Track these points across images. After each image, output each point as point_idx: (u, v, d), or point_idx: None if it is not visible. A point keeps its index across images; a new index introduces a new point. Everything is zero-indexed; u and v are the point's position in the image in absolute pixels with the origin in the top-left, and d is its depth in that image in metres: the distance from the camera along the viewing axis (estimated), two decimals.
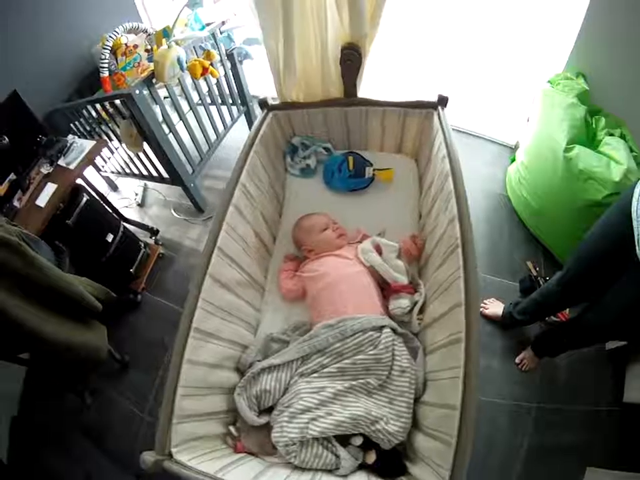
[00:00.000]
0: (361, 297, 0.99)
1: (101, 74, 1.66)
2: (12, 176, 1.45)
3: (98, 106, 1.69)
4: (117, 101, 1.53)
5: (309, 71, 1.11)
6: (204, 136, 1.91)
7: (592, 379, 1.33)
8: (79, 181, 1.54)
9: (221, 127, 2.01)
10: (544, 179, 1.48)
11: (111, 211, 1.77)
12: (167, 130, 1.70)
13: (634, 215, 0.79)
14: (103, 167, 2.12)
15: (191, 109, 1.78)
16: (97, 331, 1.23)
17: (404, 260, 1.06)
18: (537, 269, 1.59)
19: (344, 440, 0.81)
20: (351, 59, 1.04)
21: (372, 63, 1.13)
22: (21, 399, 1.49)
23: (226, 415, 0.88)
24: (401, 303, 0.96)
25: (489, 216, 1.76)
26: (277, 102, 1.23)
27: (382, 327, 0.90)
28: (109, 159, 2.07)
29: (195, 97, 1.80)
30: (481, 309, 1.43)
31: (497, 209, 1.79)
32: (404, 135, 1.25)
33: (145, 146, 1.71)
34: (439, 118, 1.07)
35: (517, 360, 1.35)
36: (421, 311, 0.98)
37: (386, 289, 1.03)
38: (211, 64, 1.65)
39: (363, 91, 1.18)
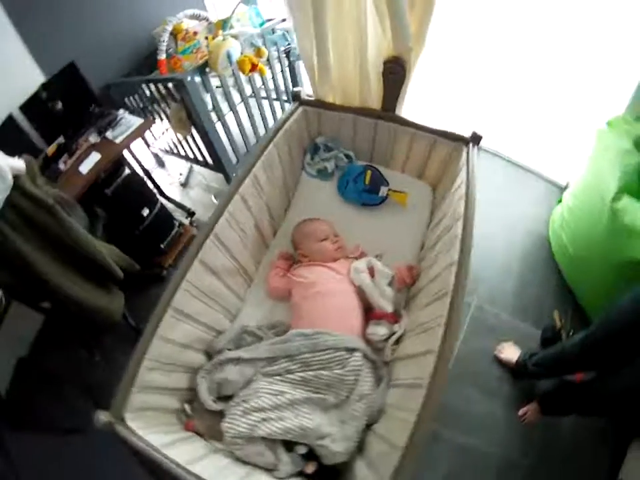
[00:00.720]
0: (343, 315, 1.02)
1: (158, 56, 1.82)
2: (61, 139, 1.64)
3: (152, 86, 1.82)
4: (170, 84, 1.64)
5: (346, 77, 1.12)
6: (253, 129, 1.99)
7: (590, 451, 1.28)
8: (125, 153, 1.68)
9: (271, 122, 2.10)
10: (586, 225, 1.39)
11: (152, 186, 1.92)
12: (215, 118, 1.79)
13: None
14: (153, 143, 2.32)
15: (242, 100, 1.88)
16: (113, 297, 1.35)
17: (394, 288, 1.08)
18: (563, 321, 1.52)
19: (290, 444, 0.85)
20: (394, 73, 1.04)
21: (420, 80, 1.13)
22: (33, 343, 1.63)
23: (185, 392, 0.94)
24: (379, 330, 0.99)
25: (526, 255, 1.71)
26: (311, 97, 1.25)
27: (354, 350, 0.93)
28: (159, 136, 2.22)
29: (248, 90, 1.87)
30: (496, 352, 1.42)
31: (535, 250, 1.72)
32: (429, 162, 1.25)
33: (193, 130, 1.81)
34: (467, 156, 1.06)
35: (521, 412, 1.31)
36: (398, 341, 1.00)
37: (369, 312, 1.05)
38: (268, 60, 1.72)
39: (406, 110, 1.19)
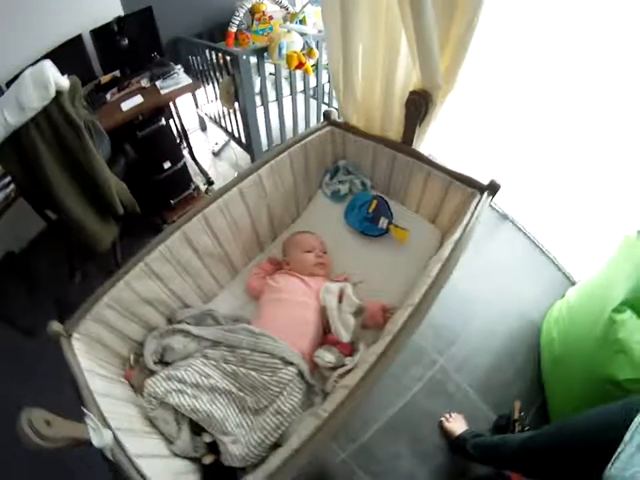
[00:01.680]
0: (295, 328, 1.06)
1: (229, 27, 1.96)
2: (117, 73, 1.83)
3: (214, 54, 2.00)
4: (227, 57, 1.82)
5: (370, 101, 1.19)
6: (293, 123, 2.15)
7: None
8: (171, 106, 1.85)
9: (313, 122, 2.25)
10: (580, 328, 1.38)
11: (185, 144, 2.06)
12: (259, 102, 1.95)
13: (632, 427, 0.70)
14: (202, 106, 2.48)
15: (291, 94, 2.01)
16: (108, 227, 1.54)
17: (357, 320, 1.07)
18: (522, 414, 1.47)
19: (200, 429, 0.90)
20: (417, 106, 1.06)
21: (452, 125, 1.16)
22: (27, 245, 1.87)
23: (136, 346, 1.06)
24: (326, 356, 1.00)
25: (512, 335, 1.65)
26: (340, 120, 1.34)
27: (290, 363, 0.96)
28: (209, 102, 2.41)
29: (300, 87, 2.03)
30: (442, 419, 1.40)
31: (522, 334, 1.65)
32: (443, 206, 1.23)
33: (236, 106, 2.00)
34: (477, 205, 1.03)
35: None
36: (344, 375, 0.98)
37: (326, 336, 1.08)
38: (317, 65, 1.82)
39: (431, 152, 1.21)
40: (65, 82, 1.21)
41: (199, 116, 2.62)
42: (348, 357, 1.01)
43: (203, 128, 2.67)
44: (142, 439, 0.84)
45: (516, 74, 1.58)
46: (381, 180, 1.38)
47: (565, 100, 1.52)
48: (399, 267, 1.25)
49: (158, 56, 1.95)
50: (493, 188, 1.05)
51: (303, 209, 1.48)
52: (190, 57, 2.23)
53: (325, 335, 1.09)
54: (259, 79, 1.92)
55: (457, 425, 1.40)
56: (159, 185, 1.93)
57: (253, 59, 1.82)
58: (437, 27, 0.88)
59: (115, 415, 0.79)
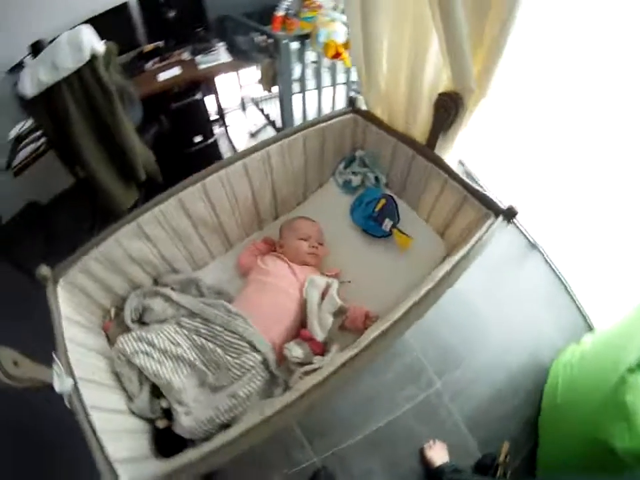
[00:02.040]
0: (274, 316, 1.05)
1: (276, 11, 1.98)
2: (161, 43, 1.89)
3: (259, 35, 2.02)
4: (270, 40, 1.82)
5: (395, 96, 1.12)
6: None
7: None
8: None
9: None
10: (587, 381, 1.31)
11: (221, 122, 2.10)
12: (297, 89, 1.94)
13: None
14: (245, 86, 2.53)
15: (332, 85, 2.00)
16: (129, 191, 1.61)
17: (336, 321, 1.06)
18: (508, 458, 1.41)
19: (161, 394, 0.92)
20: (446, 109, 0.99)
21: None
22: (54, 198, 1.97)
23: (119, 300, 1.10)
24: (295, 350, 0.99)
25: (518, 373, 1.56)
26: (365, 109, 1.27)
27: (257, 350, 0.96)
28: (253, 83, 2.43)
29: (343, 79, 1.98)
30: (425, 445, 1.37)
31: (528, 372, 1.56)
32: (454, 221, 1.16)
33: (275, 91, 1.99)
34: (488, 228, 0.96)
35: None
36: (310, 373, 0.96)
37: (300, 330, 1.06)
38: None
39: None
40: (100, 47, 1.26)
41: (241, 97, 2.68)
42: (318, 356, 1.00)
43: (244, 108, 2.73)
44: (103, 391, 0.87)
45: (560, 88, 1.42)
46: (396, 178, 1.31)
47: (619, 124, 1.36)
48: (395, 275, 1.20)
49: (203, 31, 2.00)
50: (509, 213, 0.97)
51: (311, 193, 1.45)
52: (236, 37, 2.28)
53: (300, 329, 1.07)
54: (299, 65, 1.91)
55: (438, 454, 1.36)
56: (187, 158, 1.98)
57: (295, 45, 1.81)
58: (468, 26, 0.81)
59: (83, 365, 0.83)
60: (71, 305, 0.95)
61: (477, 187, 1.03)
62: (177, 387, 0.90)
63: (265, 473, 1.32)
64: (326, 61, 1.95)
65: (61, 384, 0.75)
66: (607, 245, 1.64)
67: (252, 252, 1.25)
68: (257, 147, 1.15)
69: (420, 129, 1.13)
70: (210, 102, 2.23)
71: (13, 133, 1.68)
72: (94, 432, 0.71)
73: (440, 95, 0.99)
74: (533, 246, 1.84)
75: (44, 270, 0.92)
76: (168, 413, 0.92)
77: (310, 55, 1.95)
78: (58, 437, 0.81)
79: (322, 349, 1.03)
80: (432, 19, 0.83)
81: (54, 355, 0.79)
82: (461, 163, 2.08)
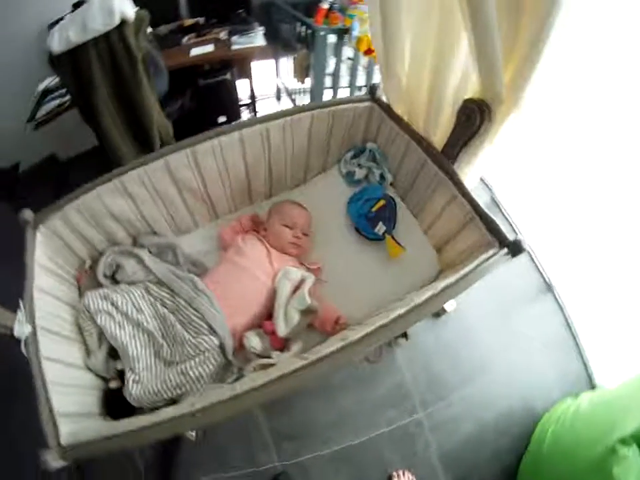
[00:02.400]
0: (240, 302, 1.02)
1: (321, 3, 1.97)
2: (201, 20, 1.93)
3: (299, 25, 2.02)
4: (309, 31, 1.80)
5: (416, 95, 1.03)
6: None
7: None
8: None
9: None
10: (576, 441, 1.25)
11: (252, 107, 2.13)
12: (329, 84, 1.92)
13: None
14: (282, 76, 2.55)
15: (366, 86, 1.96)
16: (139, 155, 1.63)
17: (303, 319, 1.02)
18: None
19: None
20: (470, 117, 0.88)
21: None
22: (74, 155, 2.04)
23: (96, 254, 1.10)
24: (252, 340, 0.96)
25: (507, 416, 1.49)
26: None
27: (215, 332, 0.94)
28: (288, 74, 2.40)
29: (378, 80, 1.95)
30: (394, 472, 1.34)
31: (519, 419, 1.49)
32: (455, 240, 1.06)
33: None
34: (487, 258, 0.87)
35: None
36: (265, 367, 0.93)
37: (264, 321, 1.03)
38: None
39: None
40: (130, 13, 1.29)
41: (277, 85, 2.70)
42: (276, 351, 0.97)
43: (278, 97, 2.73)
44: (62, 344, 0.88)
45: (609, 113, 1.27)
46: (403, 181, 1.23)
47: None
48: (379, 283, 1.14)
49: (244, 12, 2.03)
50: (515, 248, 0.87)
51: (311, 177, 1.38)
52: (278, 24, 2.30)
53: (265, 320, 1.04)
54: (334, 60, 1.90)
55: None
56: None
57: (333, 39, 1.80)
58: (500, 26, 0.71)
59: (47, 315, 0.84)
60: (47, 253, 0.96)
61: (486, 211, 0.94)
62: (131, 353, 0.90)
63: (223, 466, 1.31)
64: (363, 60, 1.92)
65: (20, 330, 0.77)
66: (626, 303, 1.50)
67: (235, 228, 1.22)
68: (257, 120, 1.09)
69: (439, 135, 1.04)
70: (244, 86, 2.25)
71: (42, 87, 1.76)
72: (43, 382, 0.72)
73: (465, 101, 0.89)
74: (549, 287, 1.74)
75: (27, 214, 0.93)
76: (122, 376, 0.92)
77: (347, 52, 1.92)
78: (17, 385, 0.82)
79: (282, 345, 1.00)
80: (460, 14, 0.74)
81: (20, 301, 0.80)
82: (488, 187, 1.97)
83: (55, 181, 1.97)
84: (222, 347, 0.94)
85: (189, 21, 1.96)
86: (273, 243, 1.15)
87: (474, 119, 0.88)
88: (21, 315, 0.78)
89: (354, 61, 1.86)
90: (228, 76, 1.90)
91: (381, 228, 1.14)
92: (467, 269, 0.85)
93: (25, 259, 0.88)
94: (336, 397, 1.42)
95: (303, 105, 1.17)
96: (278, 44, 2.34)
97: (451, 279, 0.83)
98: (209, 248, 1.24)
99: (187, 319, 0.96)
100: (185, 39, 1.88)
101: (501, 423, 1.45)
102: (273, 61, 2.55)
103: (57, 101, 1.66)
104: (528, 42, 0.73)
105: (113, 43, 1.32)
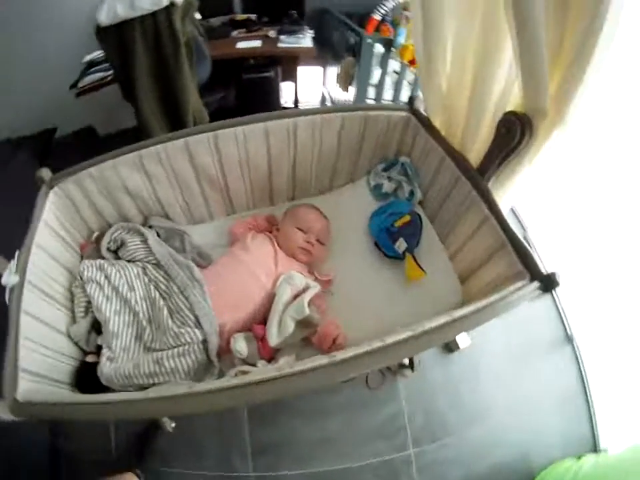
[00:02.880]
0: (235, 299, 0.96)
1: (373, 13, 1.95)
2: (253, 16, 1.96)
3: (349, 33, 2.00)
4: (354, 39, 1.80)
5: (456, 101, 0.96)
6: None
7: None
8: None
9: None
10: None
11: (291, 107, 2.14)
12: (373, 94, 1.88)
13: None
14: (328, 83, 2.53)
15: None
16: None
17: (299, 331, 0.92)
18: None
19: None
20: (509, 131, 0.81)
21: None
22: (114, 132, 2.08)
23: (105, 226, 1.10)
24: (240, 344, 0.89)
25: (502, 469, 1.37)
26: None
27: (200, 327, 0.88)
28: (333, 82, 2.45)
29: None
30: None
31: (513, 474, 1.37)
32: (481, 269, 0.95)
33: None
34: (516, 290, 0.75)
35: None
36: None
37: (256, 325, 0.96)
38: None
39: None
40: None
41: (322, 93, 2.69)
42: (262, 360, 0.90)
43: (323, 104, 2.75)
44: (48, 304, 0.86)
45: None
46: (433, 200, 1.14)
47: None
48: (391, 306, 1.04)
49: (296, 14, 2.04)
50: (549, 282, 0.75)
51: (337, 187, 1.32)
52: (330, 32, 2.29)
53: (258, 324, 0.97)
54: (379, 70, 1.86)
55: None
56: None
57: (380, 49, 1.77)
58: (546, 31, 0.65)
59: (40, 272, 0.83)
60: (57, 214, 0.96)
61: (521, 239, 0.84)
62: (112, 329, 0.87)
63: (196, 463, 1.28)
64: (409, 75, 1.87)
65: (7, 279, 0.77)
66: None
67: (248, 224, 1.18)
68: (285, 114, 1.06)
69: (476, 150, 0.96)
70: (288, 90, 2.25)
71: (88, 58, 1.81)
72: (16, 335, 0.70)
73: (507, 113, 0.82)
74: (569, 339, 1.61)
75: (44, 172, 0.94)
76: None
77: (394, 65, 1.88)
78: None
79: (271, 355, 0.92)
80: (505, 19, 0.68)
81: (17, 251, 0.80)
82: (522, 225, 1.87)
83: (90, 153, 2.01)
84: (205, 344, 0.88)
85: (240, 16, 1.99)
86: (283, 245, 1.09)
87: (514, 132, 0.81)
88: (13, 264, 0.78)
89: (399, 75, 1.81)
90: (272, 73, 1.90)
91: (401, 244, 1.05)
92: (490, 299, 0.74)
93: (33, 214, 0.88)
94: (327, 418, 1.37)
95: (335, 105, 1.11)
96: (327, 52, 2.32)
97: (470, 307, 0.73)
98: (220, 242, 1.21)
99: (175, 306, 0.92)
100: (234, 33, 1.90)
101: (493, 474, 1.34)
102: (320, 69, 2.53)
103: (101, 74, 1.71)
104: (573, 46, 0.66)
105: (159, 23, 1.34)
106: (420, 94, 1.14)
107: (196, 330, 0.88)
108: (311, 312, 0.91)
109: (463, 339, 1.46)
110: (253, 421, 1.33)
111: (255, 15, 2.04)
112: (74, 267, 0.98)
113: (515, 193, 0.95)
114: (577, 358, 1.57)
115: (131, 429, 1.31)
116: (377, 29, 1.98)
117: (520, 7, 0.62)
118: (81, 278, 0.92)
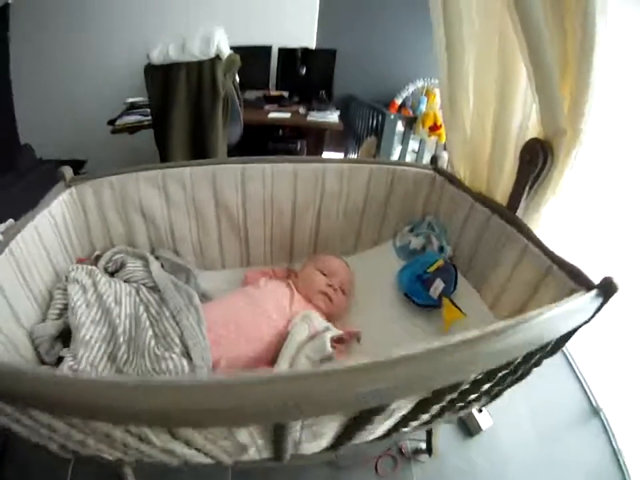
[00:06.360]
0: (239, 333, 0.84)
1: (395, 97, 2.12)
2: (285, 94, 2.13)
3: (372, 114, 2.16)
4: (380, 117, 1.98)
5: (479, 143, 1.00)
6: None
7: None
8: None
9: None
10: None
11: None
12: None
13: None
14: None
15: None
16: None
17: None
18: None
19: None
20: (532, 158, 0.82)
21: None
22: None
23: (108, 246, 1.03)
24: None
25: None
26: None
27: (190, 359, 0.75)
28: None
29: None
30: None
31: None
32: (528, 306, 0.84)
33: None
34: (574, 300, 0.63)
35: None
36: None
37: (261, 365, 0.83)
38: None
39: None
40: (225, 50, 1.49)
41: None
42: None
43: None
44: (22, 289, 0.74)
45: None
46: (464, 249, 1.08)
47: None
48: None
49: (324, 95, 2.21)
50: (607, 288, 0.65)
51: (362, 249, 1.28)
52: (355, 119, 2.46)
53: (263, 364, 0.83)
54: (400, 146, 1.94)
55: None
56: None
57: (401, 128, 1.86)
58: (552, 46, 0.72)
59: (26, 252, 0.74)
60: (64, 214, 0.91)
61: (565, 258, 0.77)
62: (83, 337, 0.75)
63: None
64: (427, 152, 1.95)
65: None
66: None
67: (265, 273, 1.13)
68: (316, 159, 1.14)
69: (502, 188, 0.98)
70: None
71: (131, 100, 1.90)
72: None
73: (528, 141, 0.87)
74: (595, 412, 1.45)
75: (66, 169, 0.93)
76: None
77: (413, 145, 1.97)
78: None
79: None
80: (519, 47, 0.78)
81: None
82: None
83: None
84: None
85: (274, 92, 2.16)
86: (302, 289, 1.04)
87: (536, 158, 0.83)
88: (2, 226, 0.74)
89: (418, 153, 1.88)
90: (298, 146, 1.97)
91: (438, 286, 0.97)
92: (543, 309, 0.55)
93: (41, 201, 0.83)
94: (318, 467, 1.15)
95: (364, 158, 1.10)
96: (349, 137, 2.45)
97: (519, 318, 0.53)
98: (230, 290, 1.11)
99: (163, 331, 0.81)
100: (266, 107, 2.04)
101: None
102: (341, 155, 2.68)
103: (139, 117, 1.78)
104: (576, 50, 0.70)
105: (203, 70, 1.46)
106: (442, 154, 1.21)
107: (183, 360, 0.75)
108: (333, 354, 0.78)
109: (484, 419, 1.24)
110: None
111: (287, 92, 2.22)
112: (62, 272, 0.90)
113: (543, 226, 0.92)
114: (606, 429, 1.38)
115: None
116: (399, 111, 2.13)
117: (525, 22, 0.70)
118: (66, 278, 0.85)
